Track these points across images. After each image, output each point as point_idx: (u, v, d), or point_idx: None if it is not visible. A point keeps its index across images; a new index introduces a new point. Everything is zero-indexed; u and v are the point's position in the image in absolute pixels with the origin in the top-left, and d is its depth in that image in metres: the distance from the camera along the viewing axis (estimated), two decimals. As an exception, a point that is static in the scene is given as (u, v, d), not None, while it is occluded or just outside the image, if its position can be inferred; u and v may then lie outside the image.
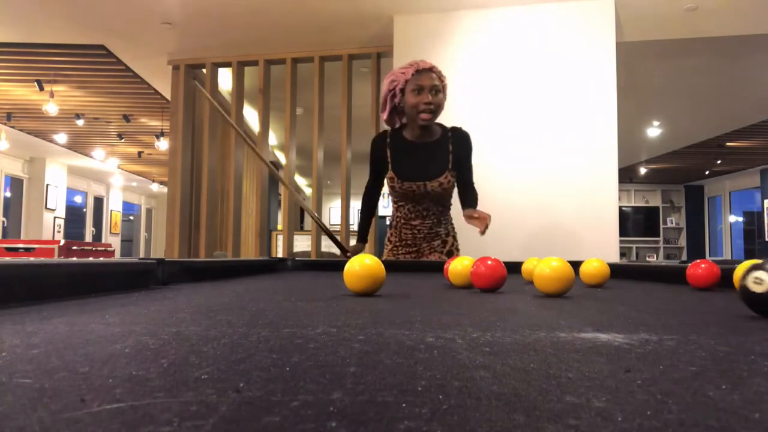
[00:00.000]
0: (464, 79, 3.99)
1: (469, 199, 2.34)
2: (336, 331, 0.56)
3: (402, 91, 2.20)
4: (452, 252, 2.38)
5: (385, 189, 2.47)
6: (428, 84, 2.15)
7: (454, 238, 2.43)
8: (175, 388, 0.32)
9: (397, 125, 2.33)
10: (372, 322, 0.64)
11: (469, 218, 2.15)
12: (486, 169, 3.92)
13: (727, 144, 8.63)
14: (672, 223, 12.96)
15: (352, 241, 2.51)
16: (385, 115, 2.31)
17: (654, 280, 1.69)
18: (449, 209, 2.42)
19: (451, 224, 2.44)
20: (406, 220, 2.35)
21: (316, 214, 2.45)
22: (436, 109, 2.18)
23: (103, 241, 12.81)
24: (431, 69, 2.18)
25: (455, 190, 2.38)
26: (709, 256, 12.31)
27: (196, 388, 0.32)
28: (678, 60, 5.04)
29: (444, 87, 2.22)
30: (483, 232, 2.04)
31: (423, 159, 2.26)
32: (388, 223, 2.49)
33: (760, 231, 10.87)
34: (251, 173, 6.36)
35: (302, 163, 9.00)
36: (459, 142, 2.32)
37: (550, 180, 3.82)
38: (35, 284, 0.81)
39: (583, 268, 1.42)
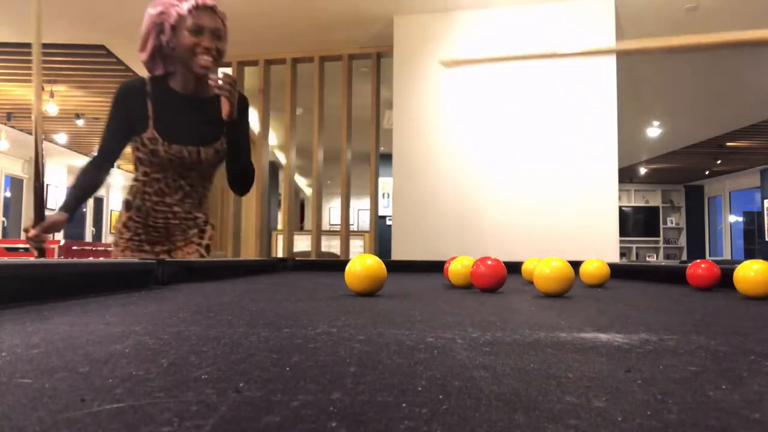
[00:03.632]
0: (464, 79, 3.99)
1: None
2: (336, 331, 0.56)
3: (174, 28, 1.72)
4: (209, 246, 1.95)
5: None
6: (210, 25, 1.72)
7: (213, 227, 2.00)
8: (175, 388, 0.32)
9: (158, 72, 1.83)
10: (372, 322, 0.64)
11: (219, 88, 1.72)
12: (486, 169, 3.92)
13: (727, 144, 8.63)
14: (672, 223, 12.96)
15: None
16: (144, 56, 1.80)
17: (654, 280, 1.69)
18: (210, 190, 2.00)
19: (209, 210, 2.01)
20: (161, 197, 1.84)
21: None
22: (219, 55, 1.76)
23: (103, 241, 12.81)
24: (213, 8, 1.76)
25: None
26: (709, 256, 12.31)
27: (196, 388, 0.32)
28: (678, 60, 5.04)
29: (227, 33, 1.79)
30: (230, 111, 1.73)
31: (196, 119, 1.83)
32: (123, 202, 1.90)
33: (760, 231, 10.87)
34: (251, 173, 6.36)
35: (302, 163, 9.00)
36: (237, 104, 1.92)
37: (550, 180, 3.82)
38: (35, 284, 0.81)
39: (583, 268, 1.42)
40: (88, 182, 1.82)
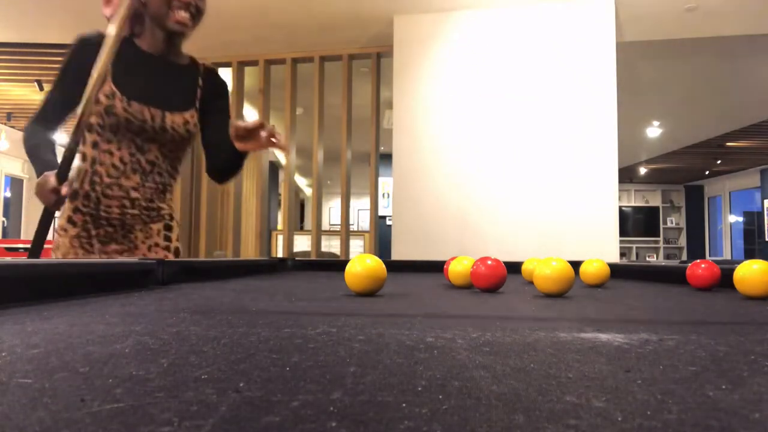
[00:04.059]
0: (464, 79, 3.99)
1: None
2: (336, 331, 0.56)
3: None
4: (179, 249, 1.67)
5: None
6: None
7: (179, 225, 1.71)
8: (175, 388, 0.32)
9: (125, 32, 1.57)
10: (372, 322, 0.64)
11: (243, 134, 1.45)
12: (486, 169, 3.92)
13: (727, 144, 8.63)
14: (672, 223, 12.96)
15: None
16: (109, 11, 1.54)
17: (654, 280, 1.69)
18: (176, 181, 1.68)
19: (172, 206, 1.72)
20: (114, 178, 1.50)
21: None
22: (197, 13, 1.55)
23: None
24: None
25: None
26: (709, 256, 12.31)
27: (196, 388, 0.32)
28: (678, 60, 5.04)
29: None
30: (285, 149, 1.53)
31: (163, 80, 1.58)
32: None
33: (760, 231, 10.87)
34: (251, 173, 6.36)
35: (302, 163, 9.00)
36: (214, 83, 1.69)
37: (549, 180, 3.83)
38: (35, 284, 0.81)
39: (583, 268, 1.42)
40: (52, 145, 1.54)
